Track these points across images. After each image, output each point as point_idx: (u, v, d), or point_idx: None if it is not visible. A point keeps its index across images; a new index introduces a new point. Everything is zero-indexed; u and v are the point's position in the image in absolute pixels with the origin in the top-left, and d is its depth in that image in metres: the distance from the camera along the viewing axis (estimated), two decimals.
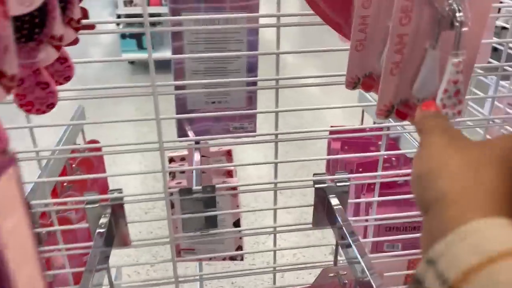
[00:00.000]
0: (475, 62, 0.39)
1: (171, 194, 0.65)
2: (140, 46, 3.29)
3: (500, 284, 0.20)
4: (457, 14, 0.34)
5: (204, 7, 0.72)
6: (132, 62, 3.53)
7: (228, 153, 0.98)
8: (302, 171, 1.77)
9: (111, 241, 0.65)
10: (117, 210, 0.64)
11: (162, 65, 0.75)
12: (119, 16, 3.29)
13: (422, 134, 0.32)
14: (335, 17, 0.51)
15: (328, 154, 1.11)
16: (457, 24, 0.34)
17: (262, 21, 0.66)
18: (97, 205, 0.62)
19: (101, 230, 0.61)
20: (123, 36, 3.23)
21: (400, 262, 0.82)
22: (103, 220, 0.62)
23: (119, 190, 0.64)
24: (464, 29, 0.34)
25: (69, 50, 0.42)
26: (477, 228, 0.23)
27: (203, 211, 0.67)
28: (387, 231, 0.82)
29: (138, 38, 3.28)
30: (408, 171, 0.79)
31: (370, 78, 0.48)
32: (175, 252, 0.72)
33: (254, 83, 0.75)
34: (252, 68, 0.78)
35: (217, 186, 0.65)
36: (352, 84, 0.48)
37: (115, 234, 0.66)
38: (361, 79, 0.47)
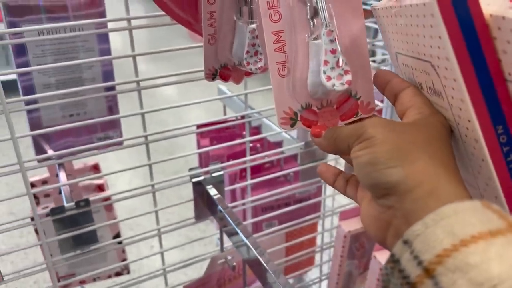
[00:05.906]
0: None
1: (47, 215, 0.61)
2: None
3: (471, 267, 0.20)
4: None
5: (45, 18, 0.69)
6: None
7: (95, 168, 0.95)
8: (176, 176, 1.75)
9: None
10: None
11: (11, 87, 0.70)
12: None
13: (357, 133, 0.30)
14: (184, 15, 0.53)
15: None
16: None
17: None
18: None
19: None
20: None
21: (279, 237, 0.89)
22: None
23: None
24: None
25: None
26: (451, 211, 0.23)
27: (79, 229, 0.64)
28: (263, 211, 0.88)
29: None
30: (276, 156, 0.86)
31: (226, 69, 0.51)
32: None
33: (112, 90, 0.73)
34: (108, 76, 0.76)
35: (91, 199, 0.63)
36: (210, 75, 0.51)
37: None
38: (218, 70, 0.51)
